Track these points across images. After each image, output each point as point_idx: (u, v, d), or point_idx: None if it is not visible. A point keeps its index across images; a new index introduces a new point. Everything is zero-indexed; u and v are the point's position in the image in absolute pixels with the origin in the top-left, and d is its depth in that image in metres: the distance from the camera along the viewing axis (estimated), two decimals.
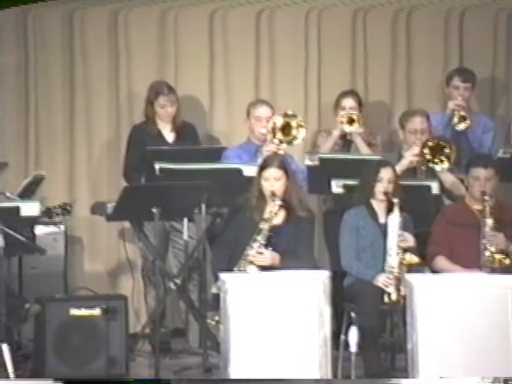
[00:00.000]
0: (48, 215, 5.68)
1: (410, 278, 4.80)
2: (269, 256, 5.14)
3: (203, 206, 5.31)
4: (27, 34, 6.08)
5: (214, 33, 6.26)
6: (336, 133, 5.89)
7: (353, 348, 4.66)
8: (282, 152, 5.60)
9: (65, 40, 6.13)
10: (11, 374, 4.67)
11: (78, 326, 5.16)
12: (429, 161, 5.67)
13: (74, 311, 5.16)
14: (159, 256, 5.58)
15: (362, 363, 4.96)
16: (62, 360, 5.12)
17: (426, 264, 5.29)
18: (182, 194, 5.29)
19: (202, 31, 6.25)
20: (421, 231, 5.28)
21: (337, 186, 5.45)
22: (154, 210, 5.24)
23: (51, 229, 5.82)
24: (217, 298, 4.85)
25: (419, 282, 4.72)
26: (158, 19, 6.23)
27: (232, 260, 5.15)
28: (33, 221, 5.15)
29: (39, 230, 5.50)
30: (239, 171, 5.48)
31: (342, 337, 5.02)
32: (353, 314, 5.03)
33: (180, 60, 6.24)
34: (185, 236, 5.51)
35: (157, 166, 5.43)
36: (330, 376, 4.68)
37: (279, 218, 5.19)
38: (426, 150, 5.67)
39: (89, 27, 6.15)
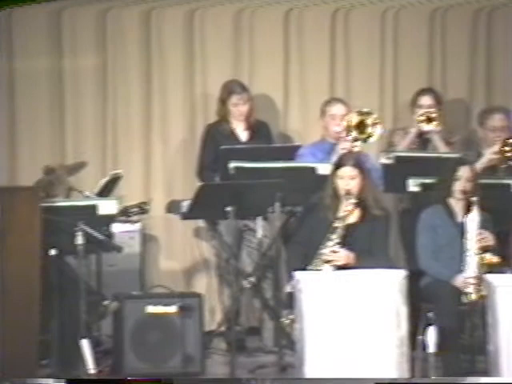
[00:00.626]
0: (125, 214, 5.69)
1: (491, 278, 4.67)
2: (344, 255, 5.04)
3: (277, 205, 5.24)
4: (106, 36, 6.08)
5: (289, 32, 6.18)
6: (413, 131, 5.75)
7: (431, 349, 4.55)
8: (357, 149, 5.50)
9: (142, 40, 6.11)
10: (92, 370, 4.70)
11: (155, 324, 5.12)
12: (509, 159, 5.52)
13: (151, 308, 5.14)
14: (233, 255, 5.53)
15: (441, 364, 4.84)
16: (140, 357, 5.10)
17: (507, 264, 5.14)
18: (256, 192, 5.22)
19: (277, 30, 6.17)
20: (501, 230, 5.12)
21: (413, 185, 5.32)
22: (229, 209, 5.19)
23: (128, 227, 5.82)
24: (291, 296, 4.79)
25: (500, 283, 4.58)
26: (233, 18, 6.16)
27: (306, 259, 5.07)
28: (110, 219, 5.14)
29: (116, 228, 5.47)
30: (313, 169, 5.38)
31: (420, 337, 4.92)
32: (430, 315, 4.92)
33: (255, 59, 6.17)
34: (259, 235, 5.47)
35: (231, 165, 5.38)
36: (407, 376, 4.58)
37: (354, 217, 5.09)
38: (506, 148, 5.51)
39: (166, 27, 6.12)
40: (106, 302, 5.14)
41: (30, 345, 4.68)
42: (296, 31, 6.19)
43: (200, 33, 6.17)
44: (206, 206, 5.30)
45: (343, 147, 5.54)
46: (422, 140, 5.81)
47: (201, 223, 5.92)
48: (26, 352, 4.65)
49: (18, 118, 6.07)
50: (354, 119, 5.59)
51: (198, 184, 5.52)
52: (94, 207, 5.06)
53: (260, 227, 5.47)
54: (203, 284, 6.05)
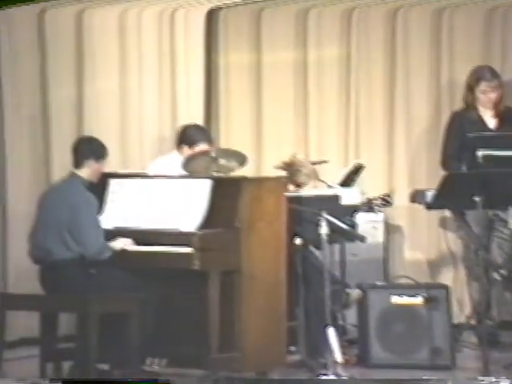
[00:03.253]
0: (369, 206, 5.50)
1: None
2: None
3: None
4: (350, 28, 5.88)
5: None
6: None
7: None
8: None
9: (387, 32, 5.83)
10: (338, 358, 4.56)
11: (400, 314, 4.87)
12: None
13: (396, 299, 4.90)
14: (482, 246, 5.10)
15: None
16: (386, 347, 4.85)
17: None
18: (507, 181, 4.78)
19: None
20: None
21: None
22: (477, 199, 4.82)
23: (371, 217, 5.60)
24: None
25: None
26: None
27: None
28: (353, 209, 4.99)
29: (360, 217, 5.28)
30: None
31: None
32: None
33: (507, 44, 5.72)
34: (510, 225, 5.07)
35: (479, 153, 4.99)
36: None
37: None
38: None
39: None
40: (348, 291, 5.00)
41: (278, 331, 4.58)
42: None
43: (449, 21, 5.80)
44: (452, 196, 4.93)
45: None
46: None
47: (446, 213, 5.54)
48: (274, 338, 4.57)
49: (264, 110, 5.98)
50: None
51: (444, 173, 5.18)
52: (337, 197, 4.93)
53: (511, 217, 5.09)
54: (449, 276, 5.66)
